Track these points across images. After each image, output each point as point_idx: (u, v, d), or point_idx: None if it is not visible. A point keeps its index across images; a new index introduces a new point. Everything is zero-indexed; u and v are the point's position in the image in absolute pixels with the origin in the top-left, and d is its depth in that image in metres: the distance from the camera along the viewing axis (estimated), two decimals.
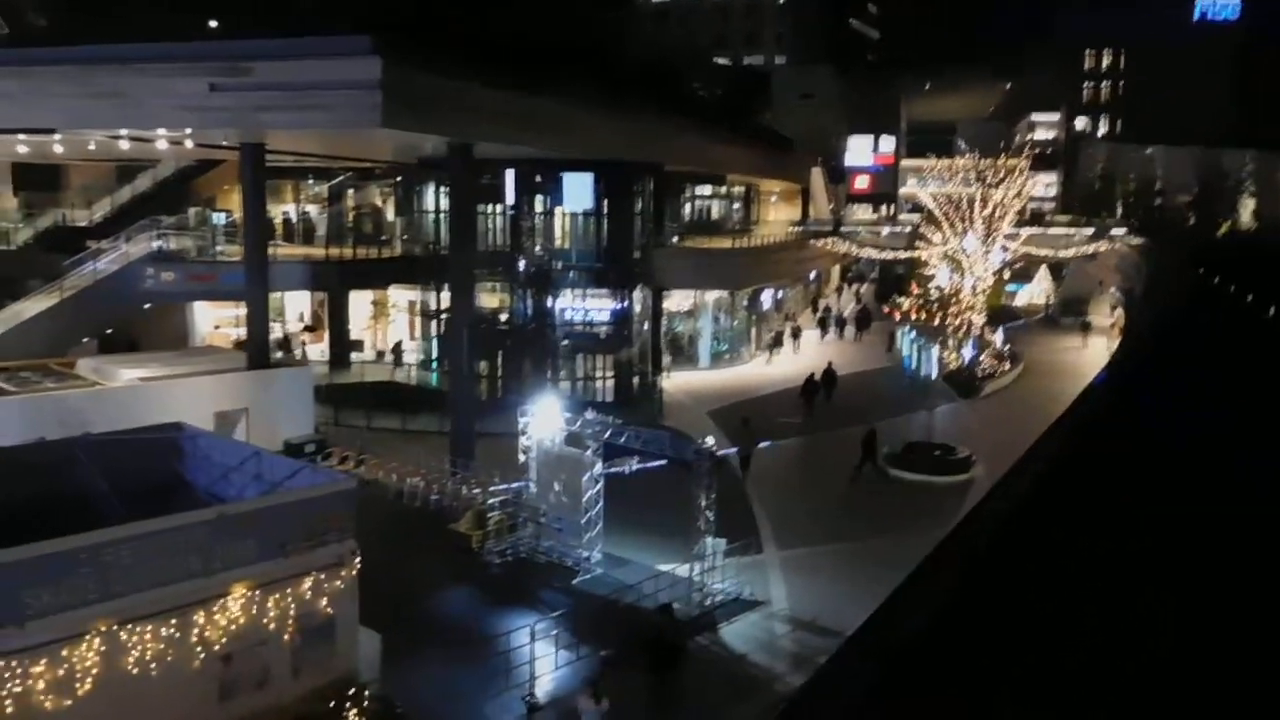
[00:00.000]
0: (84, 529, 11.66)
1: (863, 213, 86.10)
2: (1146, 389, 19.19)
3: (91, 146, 31.18)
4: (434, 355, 37.84)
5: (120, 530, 11.81)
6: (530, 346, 35.91)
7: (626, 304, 37.08)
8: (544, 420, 21.94)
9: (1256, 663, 7.27)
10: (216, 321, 40.28)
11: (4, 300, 30.46)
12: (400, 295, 41.38)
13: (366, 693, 13.57)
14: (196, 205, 39.91)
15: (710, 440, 20.53)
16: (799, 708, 15.06)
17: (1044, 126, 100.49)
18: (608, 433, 20.47)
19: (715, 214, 55.84)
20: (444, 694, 15.75)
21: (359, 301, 41.64)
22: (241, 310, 30.99)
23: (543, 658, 16.42)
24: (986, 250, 44.92)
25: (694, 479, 19.40)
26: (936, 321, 47.31)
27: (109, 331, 34.37)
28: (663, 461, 20.10)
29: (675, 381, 40.32)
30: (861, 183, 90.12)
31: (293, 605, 12.91)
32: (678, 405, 36.65)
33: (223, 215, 39.40)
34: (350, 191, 45.66)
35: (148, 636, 11.66)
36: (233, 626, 12.36)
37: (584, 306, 36.90)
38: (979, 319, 45.71)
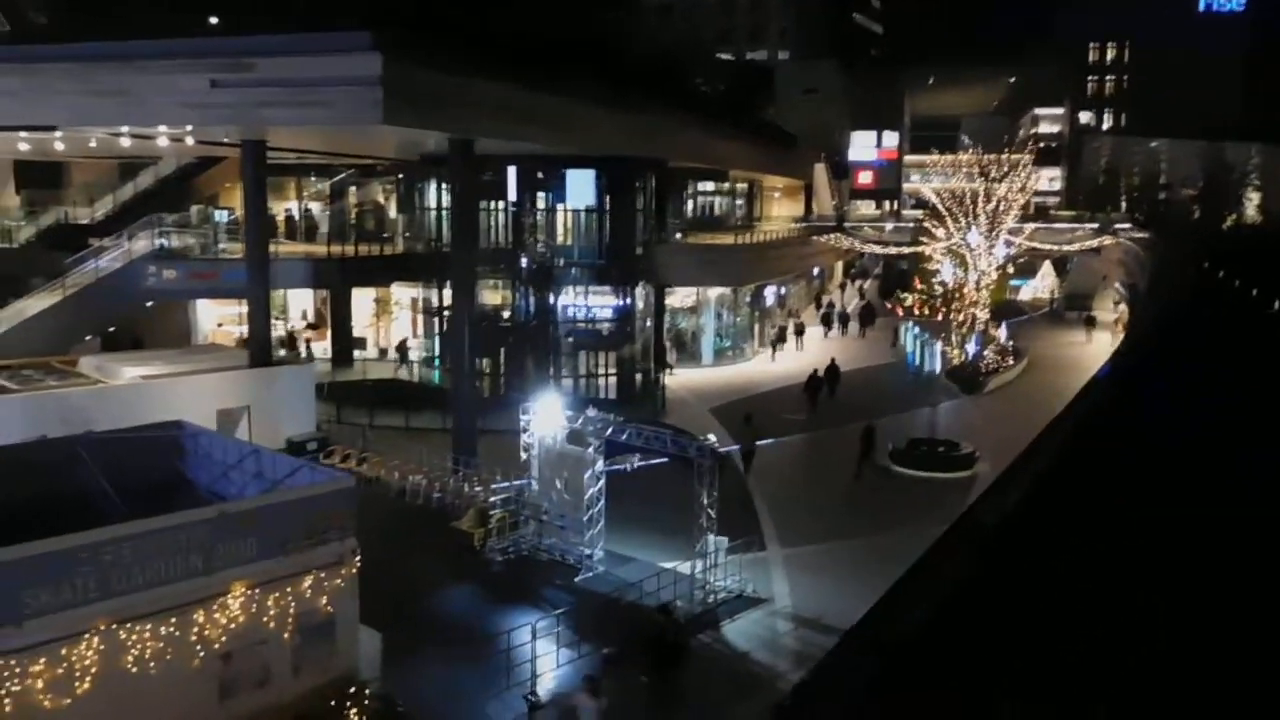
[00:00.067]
0: (84, 527, 11.63)
1: (866, 208, 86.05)
2: (1148, 385, 19.10)
3: (93, 144, 31.18)
4: (436, 353, 37.82)
5: (120, 529, 11.78)
6: (532, 344, 35.86)
7: (629, 301, 37.02)
8: (546, 418, 21.89)
9: (1254, 661, 7.21)
10: (220, 319, 40.33)
11: (6, 298, 30.49)
12: (403, 293, 41.36)
13: (367, 691, 13.53)
14: (199, 203, 39.93)
15: (712, 437, 20.48)
16: (797, 702, 15.04)
17: (1048, 121, 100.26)
18: (609, 430, 20.42)
19: (718, 210, 55.78)
20: (445, 692, 15.72)
21: (361, 299, 41.63)
22: (245, 308, 30.99)
23: (544, 656, 16.37)
24: (990, 245, 44.79)
25: (696, 476, 19.34)
26: (940, 317, 47.21)
27: (111, 330, 34.42)
28: (665, 459, 20.05)
29: (678, 378, 40.27)
30: (865, 178, 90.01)
31: (293, 604, 12.87)
32: (680, 402, 36.59)
33: (225, 213, 39.40)
34: (352, 188, 45.66)
35: (147, 635, 11.63)
36: (233, 625, 12.32)
37: (586, 303, 36.83)
38: (983, 314, 45.60)
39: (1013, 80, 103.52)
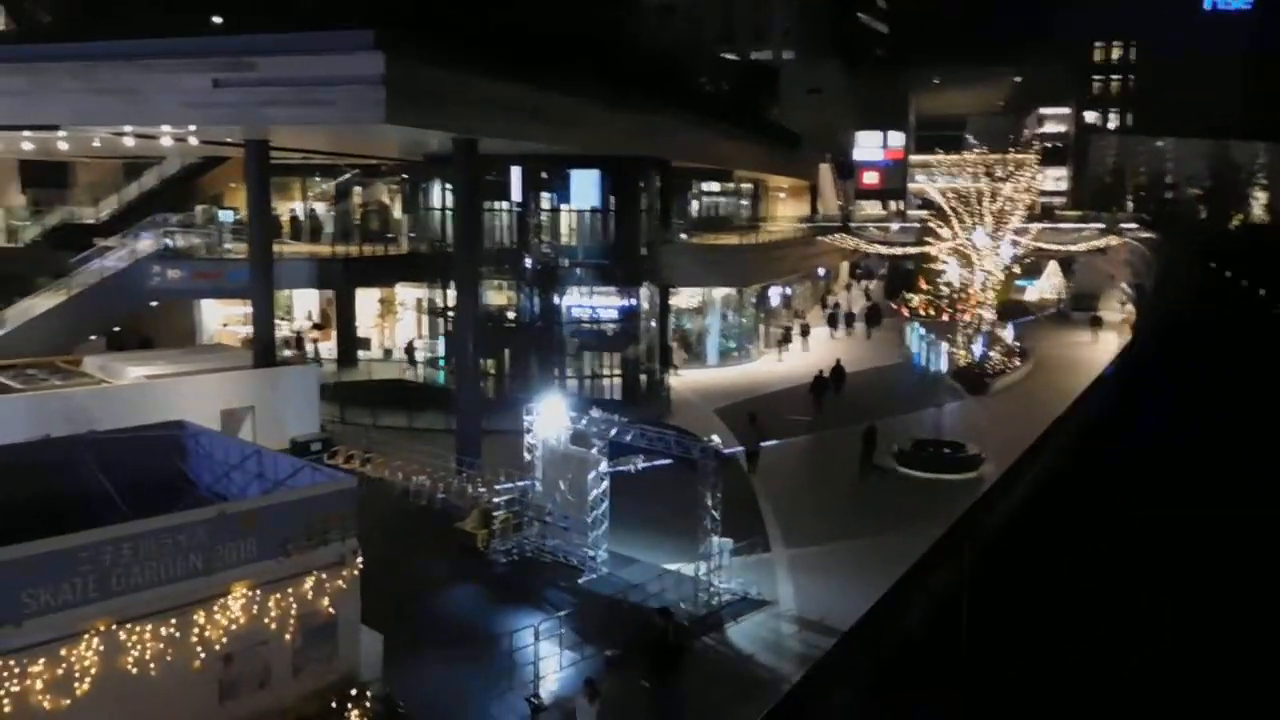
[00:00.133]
0: (85, 527, 11.58)
1: (872, 208, 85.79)
2: (1153, 386, 19.05)
3: (96, 143, 31.20)
4: (440, 353, 37.76)
5: (120, 529, 11.72)
6: (537, 344, 35.77)
7: (633, 301, 36.93)
8: (550, 418, 21.82)
9: (1256, 661, 7.13)
10: (225, 319, 40.32)
11: (12, 297, 30.52)
12: (407, 293, 41.31)
13: (368, 693, 13.47)
14: (203, 202, 39.95)
15: (716, 438, 20.38)
16: (796, 703, 14.97)
17: (1054, 120, 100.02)
18: (613, 431, 20.34)
19: (723, 210, 55.65)
20: (447, 694, 15.65)
21: (366, 299, 41.59)
22: (250, 308, 30.98)
23: (547, 658, 16.30)
24: (996, 245, 44.66)
25: (700, 477, 19.25)
26: (946, 318, 47.06)
27: (117, 329, 34.46)
28: (669, 460, 19.96)
29: (683, 379, 40.20)
30: (870, 178, 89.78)
31: (294, 605, 12.81)
32: (685, 403, 36.50)
33: (230, 213, 39.41)
34: (357, 189, 45.65)
35: (147, 636, 11.58)
36: (233, 626, 12.26)
37: (590, 304, 36.75)
38: (989, 315, 45.45)
39: (1018, 80, 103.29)
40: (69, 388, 24.30)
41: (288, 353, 36.38)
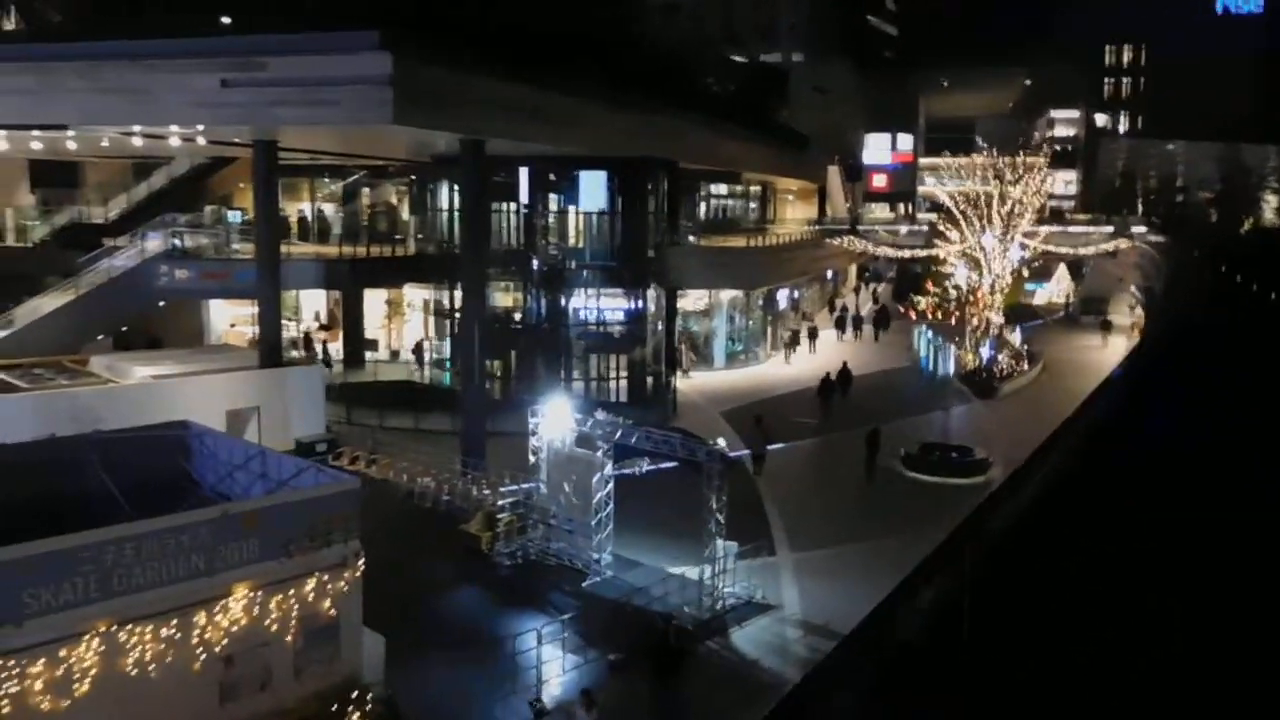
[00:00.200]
0: (88, 527, 11.54)
1: (880, 211, 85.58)
2: (1162, 389, 18.92)
3: (105, 144, 31.26)
4: (447, 354, 37.75)
5: (122, 529, 11.69)
6: (543, 346, 35.74)
7: (640, 303, 36.86)
8: (555, 420, 21.76)
9: (1265, 665, 7.02)
10: (233, 319, 40.39)
11: (20, 296, 30.60)
12: (415, 294, 41.31)
13: (369, 695, 13.42)
14: (212, 203, 40.05)
15: (722, 441, 20.30)
16: (795, 703, 14.87)
17: (1064, 123, 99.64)
18: (618, 433, 20.26)
19: (731, 212, 55.53)
20: (449, 697, 15.60)
21: (373, 300, 41.62)
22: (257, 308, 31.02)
23: (550, 661, 16.22)
24: (1005, 248, 44.45)
25: (705, 480, 19.17)
26: (954, 321, 46.87)
27: (125, 329, 34.53)
28: (674, 463, 19.88)
29: (690, 382, 40.10)
30: (879, 181, 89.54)
31: (296, 606, 12.76)
32: (691, 406, 36.41)
33: (238, 213, 39.48)
34: (365, 189, 45.67)
35: (148, 637, 11.54)
36: (234, 627, 12.22)
37: (597, 306, 36.71)
38: (997, 318, 45.25)
39: (1028, 82, 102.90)
40: (75, 387, 24.35)
41: (295, 353, 36.42)
